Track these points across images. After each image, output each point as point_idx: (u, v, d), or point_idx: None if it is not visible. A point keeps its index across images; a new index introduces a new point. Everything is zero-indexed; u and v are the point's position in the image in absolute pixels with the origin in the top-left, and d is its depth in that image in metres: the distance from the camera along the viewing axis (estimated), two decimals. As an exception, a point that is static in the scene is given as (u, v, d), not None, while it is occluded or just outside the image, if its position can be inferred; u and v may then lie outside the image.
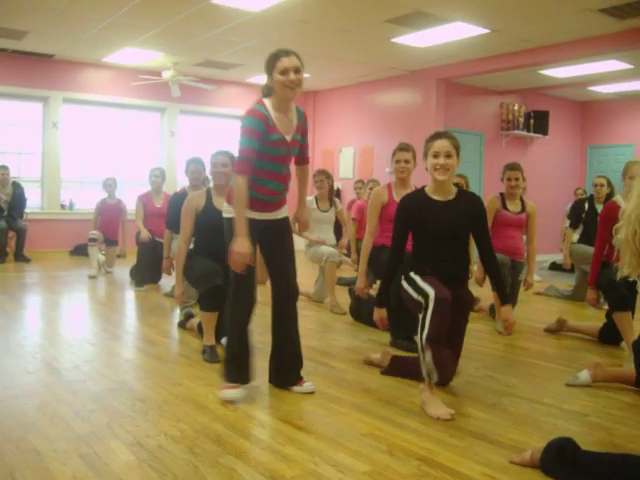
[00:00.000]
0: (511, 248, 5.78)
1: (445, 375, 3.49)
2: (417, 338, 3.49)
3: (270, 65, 3.49)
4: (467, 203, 3.77)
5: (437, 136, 3.72)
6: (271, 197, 3.63)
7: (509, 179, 5.86)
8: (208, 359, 4.39)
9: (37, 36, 9.69)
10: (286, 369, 3.83)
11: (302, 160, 3.89)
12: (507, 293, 3.84)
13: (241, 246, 3.38)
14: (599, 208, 7.09)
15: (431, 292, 3.45)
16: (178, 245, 4.83)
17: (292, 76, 3.44)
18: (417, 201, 3.77)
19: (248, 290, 3.70)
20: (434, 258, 3.70)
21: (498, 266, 3.89)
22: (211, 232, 4.65)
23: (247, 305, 3.72)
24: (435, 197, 3.74)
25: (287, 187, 3.72)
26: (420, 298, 3.52)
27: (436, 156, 3.65)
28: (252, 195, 3.50)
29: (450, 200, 3.74)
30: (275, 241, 3.77)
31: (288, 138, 3.57)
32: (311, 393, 3.71)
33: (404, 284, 3.73)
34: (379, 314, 3.91)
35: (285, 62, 3.44)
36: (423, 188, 3.83)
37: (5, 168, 10.11)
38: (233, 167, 3.66)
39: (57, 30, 9.32)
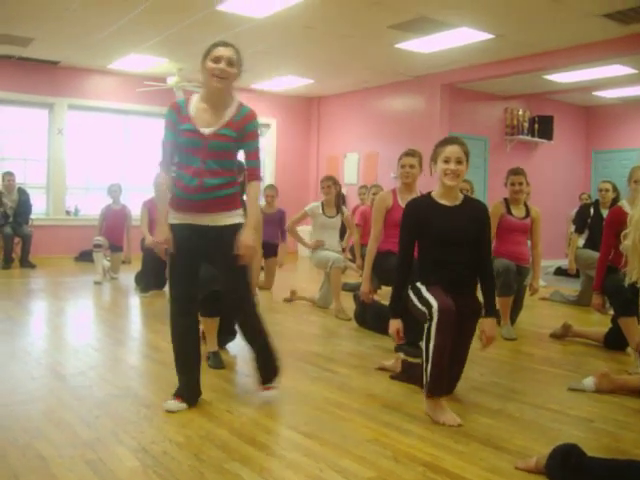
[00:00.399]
0: (516, 253, 5.78)
1: (440, 390, 3.46)
2: (423, 347, 3.47)
3: (205, 53, 3.41)
4: (473, 209, 3.73)
5: (448, 141, 3.67)
6: (188, 194, 3.39)
7: (512, 184, 5.85)
8: (212, 365, 4.39)
9: (43, 43, 9.73)
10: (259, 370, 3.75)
11: (249, 174, 3.57)
12: (494, 306, 3.77)
13: (158, 233, 3.45)
14: (604, 213, 7.08)
15: (434, 303, 3.41)
16: None
17: (222, 65, 3.33)
18: (424, 206, 3.72)
19: (180, 288, 3.56)
20: (440, 265, 3.64)
21: (492, 277, 3.81)
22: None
23: (180, 306, 3.57)
24: (442, 202, 3.70)
25: (206, 185, 3.37)
26: (424, 309, 3.48)
27: (447, 161, 3.60)
28: (174, 193, 3.46)
29: (457, 205, 3.70)
30: (216, 253, 3.54)
31: (206, 131, 3.37)
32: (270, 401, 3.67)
33: (410, 293, 3.68)
34: (395, 326, 3.71)
35: (220, 50, 3.37)
36: (429, 193, 3.78)
37: (11, 174, 10.16)
38: None
39: (62, 37, 9.36)
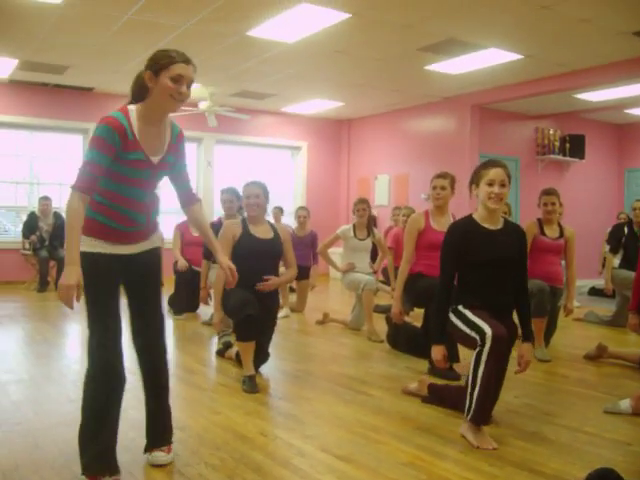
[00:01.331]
0: (550, 274, 5.73)
1: (484, 417, 3.45)
2: (470, 372, 3.45)
3: (161, 65, 2.76)
4: (513, 233, 3.71)
5: (492, 164, 3.64)
6: (132, 227, 2.92)
7: (545, 204, 5.83)
8: (248, 389, 4.40)
9: (77, 70, 9.94)
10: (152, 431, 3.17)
11: (187, 198, 3.16)
12: (530, 331, 3.76)
13: (66, 277, 2.58)
14: (639, 232, 7.02)
15: (488, 330, 3.36)
16: (217, 273, 4.85)
17: (184, 88, 2.78)
18: (468, 229, 3.66)
19: (104, 342, 2.91)
20: (483, 288, 3.61)
21: (528, 301, 3.79)
22: (249, 260, 4.68)
23: (103, 366, 2.89)
24: (485, 225, 3.66)
25: (151, 218, 3.01)
26: (474, 334, 3.44)
27: (491, 184, 3.57)
28: (106, 224, 2.84)
29: (499, 229, 3.67)
30: (137, 280, 3.03)
31: (154, 159, 2.87)
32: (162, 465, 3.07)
33: (452, 317, 3.64)
34: (440, 352, 3.67)
35: (183, 69, 2.77)
36: (471, 216, 3.74)
37: (47, 199, 10.35)
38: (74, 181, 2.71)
39: (96, 64, 9.55)
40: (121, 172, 2.78)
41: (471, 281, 3.66)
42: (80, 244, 2.68)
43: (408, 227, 5.31)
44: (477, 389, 3.39)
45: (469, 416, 3.42)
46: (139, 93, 2.84)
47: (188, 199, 3.15)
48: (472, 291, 3.63)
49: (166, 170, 2.97)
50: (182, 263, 7.70)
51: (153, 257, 3.05)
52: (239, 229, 4.79)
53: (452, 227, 3.76)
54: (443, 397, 4.06)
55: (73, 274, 2.59)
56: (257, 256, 4.72)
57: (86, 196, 2.66)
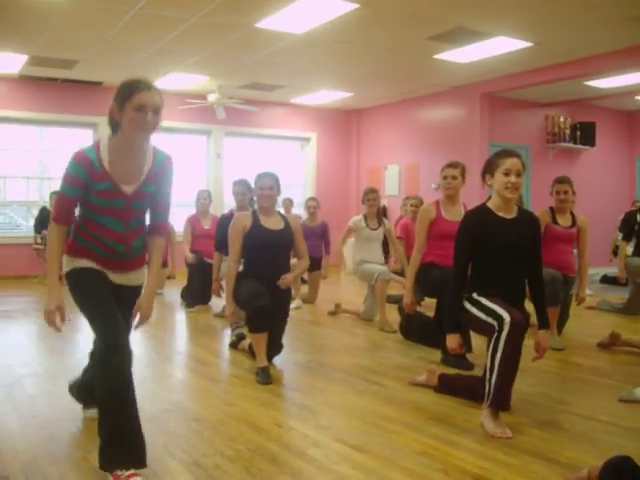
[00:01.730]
0: (562, 263, 5.70)
1: (503, 402, 3.46)
2: (488, 358, 3.47)
3: (124, 96, 2.82)
4: (527, 222, 3.72)
5: (508, 154, 3.63)
6: (112, 254, 2.96)
7: (558, 193, 5.79)
8: (262, 381, 4.41)
9: (86, 65, 9.95)
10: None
11: (155, 227, 3.12)
12: (547, 318, 3.77)
13: (47, 303, 2.81)
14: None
15: (506, 316, 3.39)
16: (228, 265, 4.86)
17: (149, 116, 2.80)
18: (483, 218, 3.67)
19: (109, 338, 2.81)
20: (497, 277, 3.63)
21: (544, 289, 3.79)
22: (260, 251, 4.71)
23: (114, 356, 2.75)
24: (500, 214, 3.67)
25: (132, 249, 3.00)
26: (491, 320, 3.46)
27: (507, 174, 3.56)
28: (90, 248, 2.94)
29: (514, 217, 3.68)
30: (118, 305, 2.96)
31: (128, 189, 2.88)
32: None
33: (467, 305, 3.66)
34: (455, 340, 3.71)
35: (144, 97, 2.80)
36: (485, 204, 3.76)
37: (58, 193, 10.35)
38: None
39: (105, 59, 9.56)
40: (93, 202, 2.88)
41: (485, 269, 3.67)
42: (68, 264, 2.93)
43: (419, 217, 5.30)
44: (495, 374, 3.40)
45: (488, 402, 3.44)
46: (113, 125, 2.92)
47: (155, 229, 3.13)
48: (486, 279, 3.65)
49: (146, 199, 2.99)
50: (190, 257, 7.72)
51: (135, 294, 3.08)
52: (249, 221, 4.79)
53: (467, 216, 3.78)
54: (455, 387, 4.07)
55: (52, 299, 2.81)
56: (268, 247, 4.73)
57: (62, 227, 2.88)
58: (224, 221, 6.04)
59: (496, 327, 3.42)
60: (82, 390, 3.53)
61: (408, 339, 5.89)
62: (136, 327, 3.10)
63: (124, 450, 2.71)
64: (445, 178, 5.24)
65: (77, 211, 2.99)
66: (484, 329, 3.56)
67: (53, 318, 2.83)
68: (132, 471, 2.69)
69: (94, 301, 2.92)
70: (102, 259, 2.96)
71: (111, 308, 2.90)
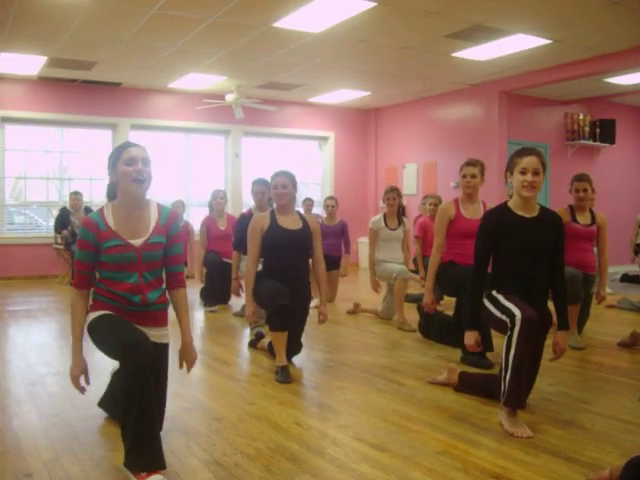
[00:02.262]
0: (582, 261, 5.65)
1: (518, 400, 3.44)
2: (502, 356, 3.46)
3: (115, 157, 3.07)
4: (549, 220, 3.69)
5: (526, 152, 3.61)
6: (131, 306, 3.08)
7: (577, 190, 5.75)
8: (281, 380, 4.43)
9: (105, 66, 10.01)
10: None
11: (173, 280, 3.26)
12: (566, 319, 3.74)
13: (71, 370, 3.07)
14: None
15: (517, 312, 3.39)
16: (246, 265, 4.87)
17: (139, 166, 3.00)
18: (502, 217, 3.67)
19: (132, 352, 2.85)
20: (517, 276, 3.62)
21: (566, 289, 3.76)
22: (278, 251, 4.72)
23: (137, 362, 2.81)
24: (520, 213, 3.66)
25: (148, 299, 3.10)
26: (505, 318, 3.46)
27: (524, 173, 3.56)
28: (111, 303, 3.08)
29: (535, 217, 3.66)
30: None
31: (136, 242, 3.05)
32: None
33: (486, 302, 3.67)
34: (473, 338, 3.71)
35: (132, 152, 3.03)
36: (506, 203, 3.75)
37: (77, 194, 10.44)
38: None
39: (124, 60, 9.62)
40: (106, 261, 3.04)
41: (505, 268, 3.66)
42: (89, 318, 3.09)
43: (438, 216, 5.29)
44: (509, 372, 3.39)
45: (504, 400, 3.42)
46: (113, 192, 3.14)
47: (174, 282, 3.27)
48: (505, 277, 3.65)
49: (157, 250, 3.12)
50: (199, 263, 7.89)
51: (160, 351, 3.14)
52: (267, 221, 4.80)
53: (486, 215, 3.78)
54: (475, 385, 4.06)
55: (77, 366, 3.06)
56: (285, 247, 4.73)
57: (82, 291, 3.07)
58: (243, 220, 6.06)
59: (508, 324, 3.43)
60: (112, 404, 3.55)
61: (427, 338, 5.88)
62: (188, 371, 3.34)
63: (148, 454, 2.76)
64: (464, 177, 5.22)
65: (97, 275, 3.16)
66: (500, 327, 3.56)
67: (78, 383, 3.08)
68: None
69: (108, 328, 3.03)
70: (121, 310, 3.08)
71: (128, 328, 3.01)
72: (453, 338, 5.31)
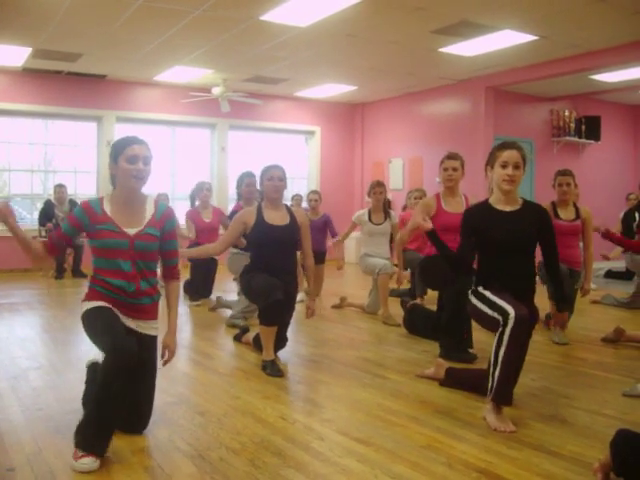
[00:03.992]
0: (567, 256, 5.60)
1: (505, 397, 3.45)
2: (492, 352, 3.46)
3: (117, 151, 3.17)
4: (533, 213, 3.68)
5: (506, 146, 3.62)
6: (124, 297, 3.16)
7: (560, 184, 5.77)
8: (271, 373, 4.42)
9: (90, 58, 9.95)
10: None
11: (167, 273, 3.42)
12: (565, 305, 3.79)
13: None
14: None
15: (511, 311, 3.37)
16: (214, 246, 5.15)
17: (140, 165, 3.12)
18: (481, 212, 3.69)
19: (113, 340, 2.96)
20: (501, 271, 3.62)
21: (562, 279, 3.80)
22: (265, 247, 4.71)
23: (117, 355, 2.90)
24: (499, 207, 3.67)
25: (141, 288, 3.19)
26: (497, 315, 3.45)
27: (504, 166, 3.56)
28: (104, 292, 3.14)
29: (516, 210, 3.66)
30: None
31: (130, 231, 3.14)
32: None
33: (473, 300, 3.67)
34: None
35: (135, 149, 3.13)
36: (487, 200, 3.76)
37: (62, 186, 10.39)
38: None
39: (109, 52, 9.57)
40: (98, 245, 3.14)
41: (488, 263, 3.69)
42: (83, 307, 3.16)
43: (418, 209, 5.25)
44: (498, 369, 3.39)
45: (491, 396, 3.43)
46: (113, 180, 3.27)
47: (169, 274, 3.44)
48: (490, 273, 3.66)
49: (150, 242, 3.21)
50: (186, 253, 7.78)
51: (142, 342, 3.18)
52: (252, 217, 4.78)
53: (466, 211, 3.82)
54: (461, 380, 4.08)
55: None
56: (271, 243, 4.71)
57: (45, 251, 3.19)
58: (232, 216, 6.04)
59: (501, 322, 3.42)
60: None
61: (412, 333, 5.89)
62: (164, 364, 3.40)
63: (91, 438, 2.86)
64: (446, 170, 5.23)
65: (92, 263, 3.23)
66: (489, 324, 3.55)
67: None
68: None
69: (101, 322, 3.07)
70: (114, 301, 3.14)
71: (119, 329, 3.06)
72: (436, 333, 5.32)
